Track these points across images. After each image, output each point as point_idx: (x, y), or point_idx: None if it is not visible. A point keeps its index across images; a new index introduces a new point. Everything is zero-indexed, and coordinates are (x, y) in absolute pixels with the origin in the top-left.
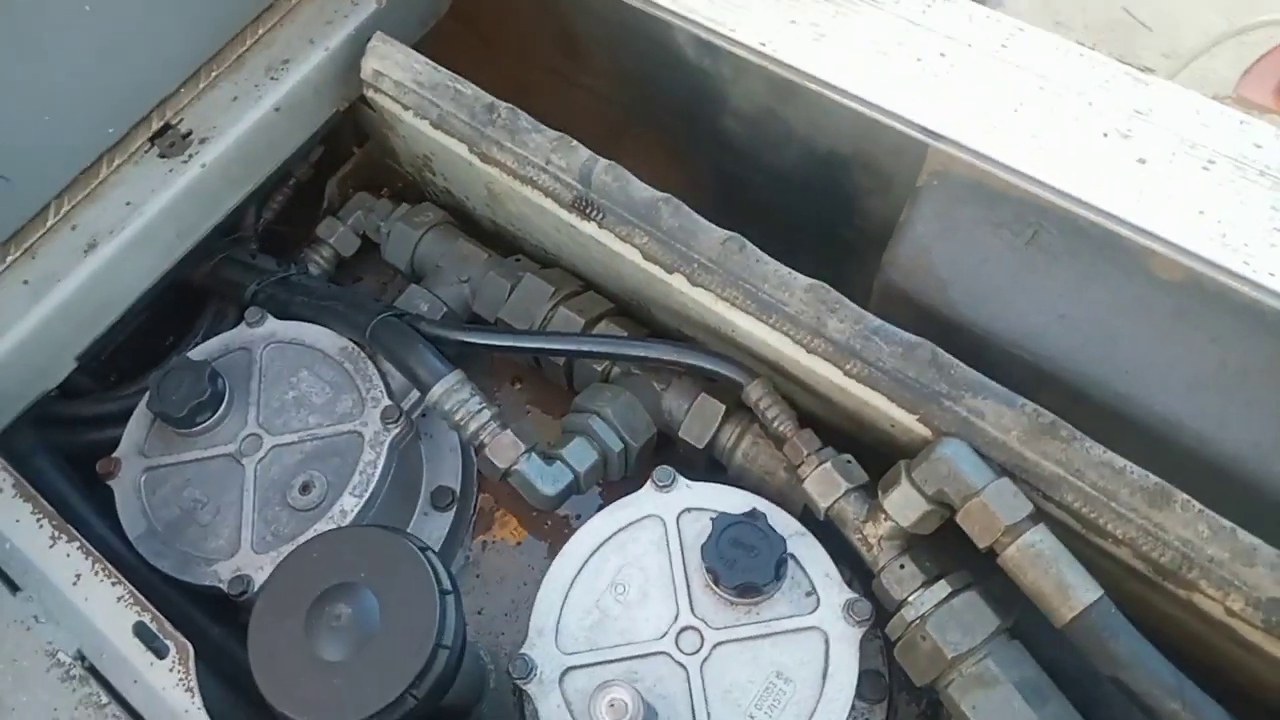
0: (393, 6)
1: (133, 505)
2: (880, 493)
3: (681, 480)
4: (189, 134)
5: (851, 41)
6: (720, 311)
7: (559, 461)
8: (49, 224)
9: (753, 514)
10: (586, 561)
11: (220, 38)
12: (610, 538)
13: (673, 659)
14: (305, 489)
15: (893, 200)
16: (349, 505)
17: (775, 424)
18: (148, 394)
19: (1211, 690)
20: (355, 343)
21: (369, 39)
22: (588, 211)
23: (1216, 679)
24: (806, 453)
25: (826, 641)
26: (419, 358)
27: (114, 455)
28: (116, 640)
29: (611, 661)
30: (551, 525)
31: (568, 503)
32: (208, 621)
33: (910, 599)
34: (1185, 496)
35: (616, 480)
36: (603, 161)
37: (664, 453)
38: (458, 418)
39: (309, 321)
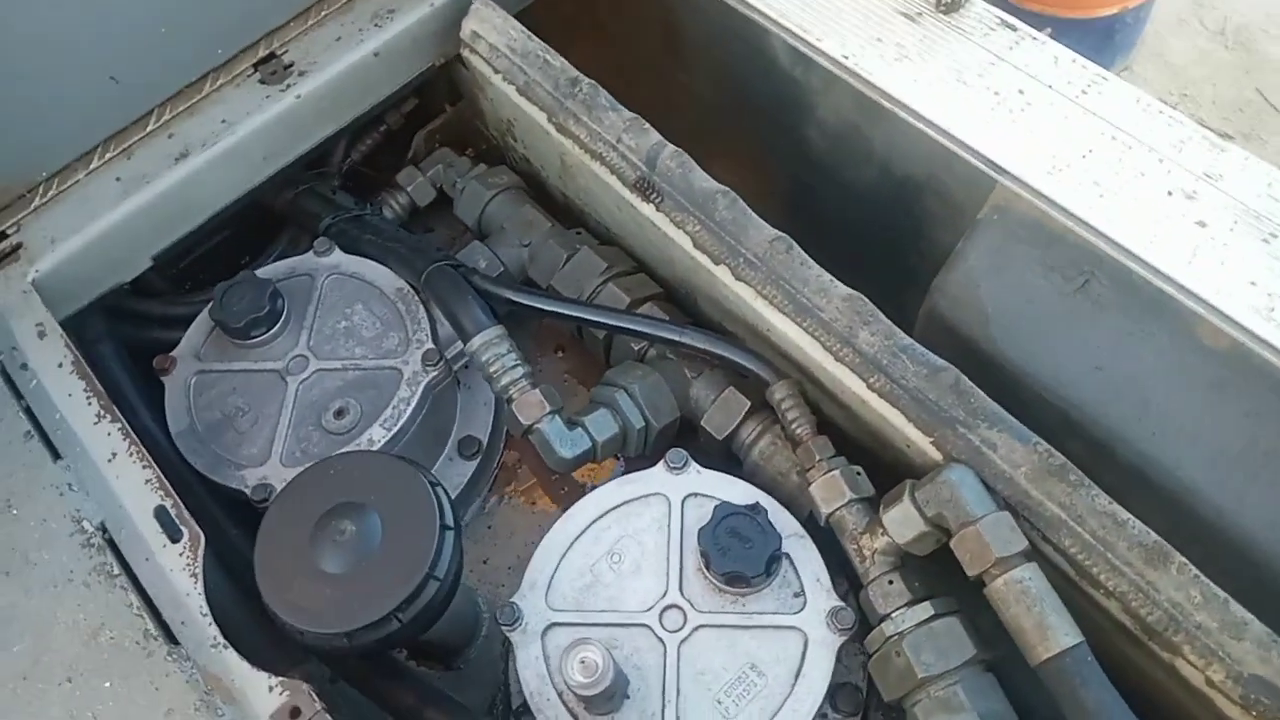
0: None
1: (180, 402)
2: (882, 507)
3: (694, 465)
4: (290, 65)
5: (932, 67)
6: (759, 308)
7: (580, 428)
8: (148, 129)
9: (755, 508)
10: (589, 527)
11: None
12: (615, 508)
13: (654, 633)
14: (340, 414)
15: (960, 231)
16: (377, 436)
17: (794, 426)
18: (211, 302)
19: None
20: (411, 285)
21: (473, 2)
22: (648, 193)
23: None
24: (818, 458)
25: (805, 643)
26: (465, 308)
27: (171, 354)
28: (137, 519)
29: (595, 625)
30: (568, 490)
31: (587, 472)
32: (226, 521)
33: (893, 614)
34: (1183, 559)
35: (634, 456)
36: (670, 147)
37: (686, 439)
38: (492, 370)
39: (373, 259)
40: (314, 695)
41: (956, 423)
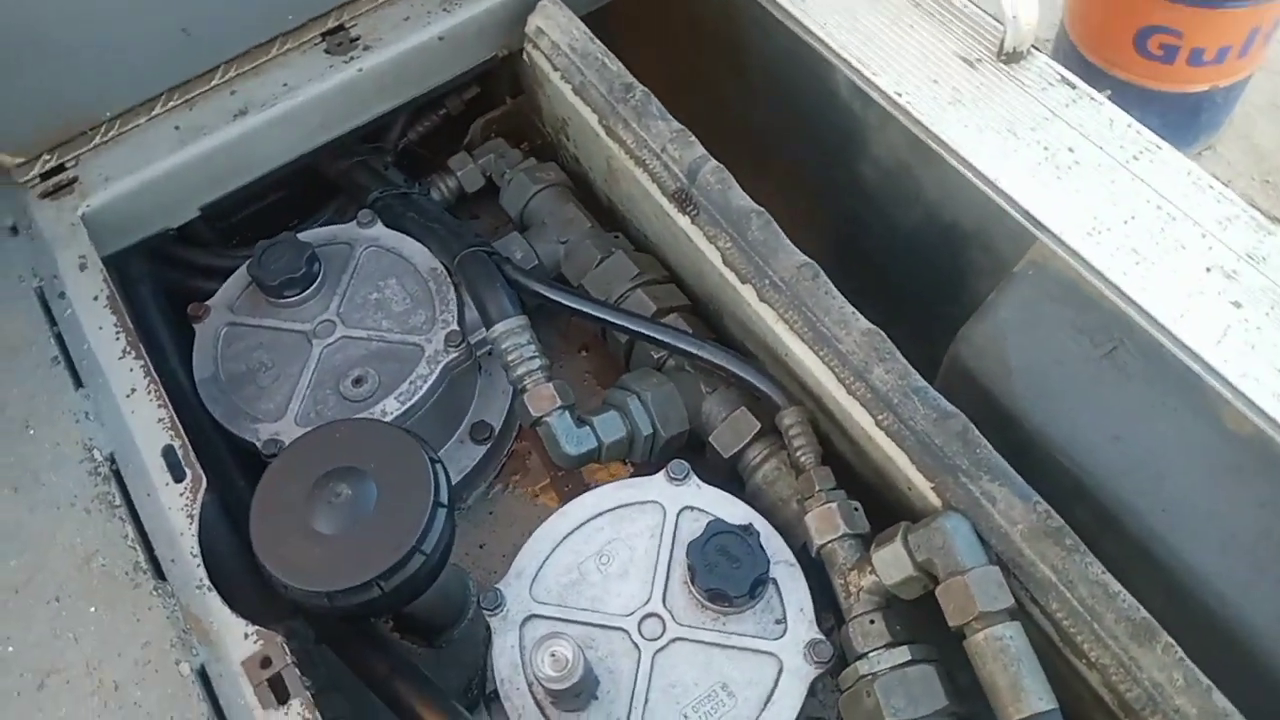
0: None
1: (207, 350)
2: (874, 546)
3: (695, 479)
4: (357, 39)
5: (984, 114)
6: (779, 332)
7: (588, 427)
8: (211, 84)
9: (748, 529)
10: (583, 525)
11: None
12: (611, 510)
13: (631, 638)
14: (358, 382)
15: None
16: (391, 408)
17: (799, 453)
18: (251, 258)
19: None
20: (445, 266)
21: None
22: (685, 205)
23: None
24: (818, 488)
25: (780, 671)
26: (493, 294)
27: (206, 303)
28: (145, 454)
29: (574, 622)
30: (572, 489)
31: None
32: (235, 471)
33: (869, 654)
34: (1169, 640)
35: (639, 463)
36: (712, 163)
37: (693, 454)
38: (510, 358)
39: (413, 237)
40: (286, 648)
41: (959, 471)
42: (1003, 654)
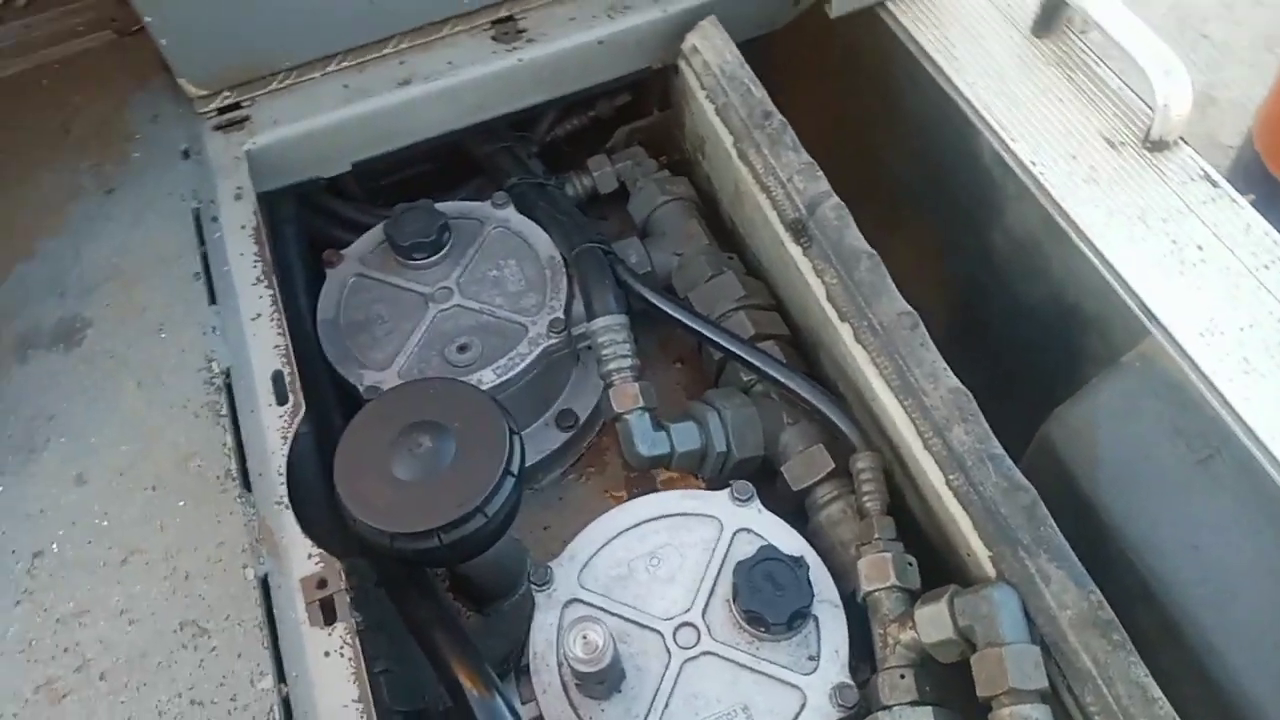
0: (735, 2)
1: (333, 296)
2: (919, 603)
3: (757, 503)
4: (523, 31)
5: (1117, 197)
6: (868, 375)
7: (665, 432)
8: (383, 52)
9: (798, 560)
10: (641, 524)
11: None
12: (671, 515)
13: (664, 642)
14: (463, 349)
15: None
16: (487, 379)
17: (866, 499)
18: (389, 219)
19: None
20: (563, 257)
21: (702, 19)
22: (799, 235)
23: None
24: (877, 536)
25: (803, 706)
26: (600, 290)
27: (342, 252)
28: (257, 375)
29: (614, 614)
30: (642, 492)
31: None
32: (332, 407)
33: (893, 707)
34: None
35: (709, 478)
36: (835, 199)
37: (764, 482)
38: (604, 353)
39: (539, 225)
40: (344, 575)
41: (1019, 545)
42: None
